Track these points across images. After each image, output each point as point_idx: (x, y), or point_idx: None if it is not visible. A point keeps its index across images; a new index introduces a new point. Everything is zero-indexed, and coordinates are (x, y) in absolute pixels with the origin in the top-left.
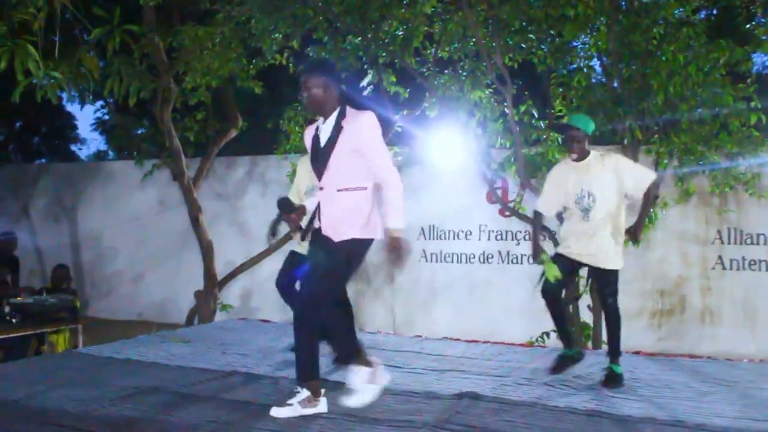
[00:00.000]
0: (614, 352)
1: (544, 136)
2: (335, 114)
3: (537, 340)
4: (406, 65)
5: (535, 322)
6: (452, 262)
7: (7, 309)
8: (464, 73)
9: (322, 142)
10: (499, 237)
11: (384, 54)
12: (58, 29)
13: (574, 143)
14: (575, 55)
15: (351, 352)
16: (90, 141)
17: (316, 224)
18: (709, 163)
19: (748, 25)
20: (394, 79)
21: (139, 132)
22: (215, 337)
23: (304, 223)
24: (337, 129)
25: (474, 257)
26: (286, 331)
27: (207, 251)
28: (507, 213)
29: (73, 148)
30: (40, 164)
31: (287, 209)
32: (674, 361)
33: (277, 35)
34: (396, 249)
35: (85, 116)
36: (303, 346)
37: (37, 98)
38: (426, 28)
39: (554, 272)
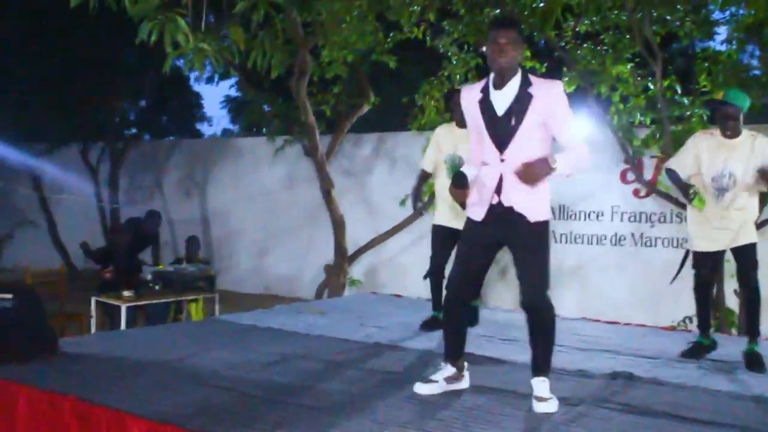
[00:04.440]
0: (755, 331)
1: (688, 113)
2: (516, 80)
3: (679, 324)
4: (546, 38)
5: (668, 307)
6: (582, 243)
7: (149, 277)
8: (605, 47)
9: (501, 109)
10: (632, 218)
11: (522, 27)
12: (205, 3)
13: (729, 121)
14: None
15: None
16: (216, 119)
17: (494, 199)
18: None
19: None
20: (529, 54)
21: (268, 108)
22: (350, 310)
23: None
24: (526, 96)
25: (605, 239)
26: (421, 306)
27: (338, 226)
28: (643, 193)
29: (199, 126)
30: (171, 141)
31: (463, 184)
32: None
33: (414, 8)
34: (535, 170)
35: (211, 95)
36: (453, 325)
37: (185, 70)
38: (566, 0)
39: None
